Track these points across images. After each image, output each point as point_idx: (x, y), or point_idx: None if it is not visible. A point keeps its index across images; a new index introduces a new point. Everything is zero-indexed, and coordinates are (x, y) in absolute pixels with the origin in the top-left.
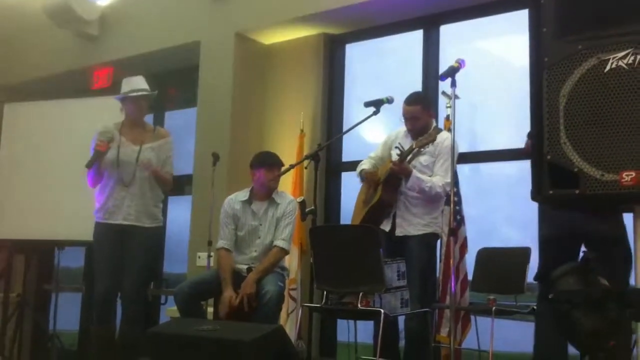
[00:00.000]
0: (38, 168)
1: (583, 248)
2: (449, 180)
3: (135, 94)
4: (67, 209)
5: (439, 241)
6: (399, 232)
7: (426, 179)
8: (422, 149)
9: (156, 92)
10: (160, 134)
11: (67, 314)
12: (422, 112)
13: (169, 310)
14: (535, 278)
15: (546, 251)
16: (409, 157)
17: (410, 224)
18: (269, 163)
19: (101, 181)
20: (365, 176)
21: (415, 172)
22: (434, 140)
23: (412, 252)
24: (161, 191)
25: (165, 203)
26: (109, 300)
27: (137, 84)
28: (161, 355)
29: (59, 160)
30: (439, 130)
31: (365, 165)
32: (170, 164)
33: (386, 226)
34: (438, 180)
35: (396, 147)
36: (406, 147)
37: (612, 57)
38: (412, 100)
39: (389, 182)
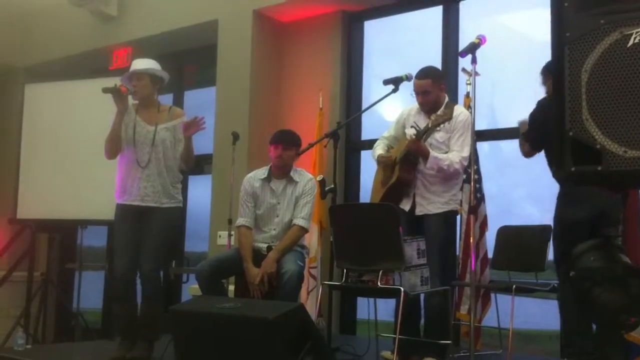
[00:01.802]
0: (59, 148)
1: None
2: (465, 154)
3: (134, 71)
4: (89, 188)
5: (458, 218)
6: (418, 211)
7: (443, 157)
8: (442, 126)
9: (155, 68)
10: (175, 113)
11: (90, 292)
12: (432, 86)
13: (191, 289)
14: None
15: (572, 234)
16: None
17: (430, 202)
18: (286, 140)
19: (117, 155)
20: (379, 161)
21: (432, 152)
22: (450, 118)
23: (431, 230)
24: (179, 171)
25: (185, 182)
26: (128, 279)
27: (137, 64)
28: (183, 333)
29: (80, 139)
30: (452, 105)
31: (379, 148)
32: (191, 140)
33: (406, 205)
34: (455, 156)
35: (412, 127)
36: (420, 123)
37: (635, 31)
38: (423, 74)
39: (406, 161)
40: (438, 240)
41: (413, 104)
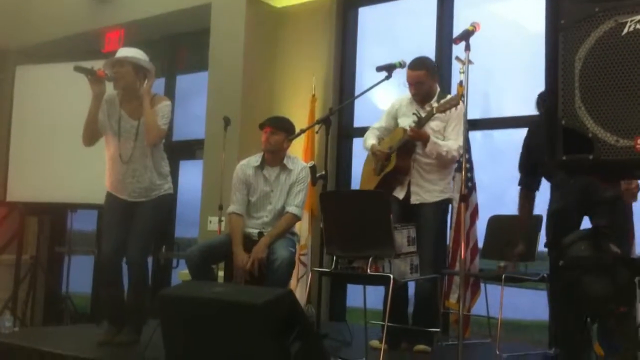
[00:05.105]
0: (50, 130)
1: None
2: (461, 143)
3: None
4: (80, 171)
5: (450, 206)
6: (414, 199)
7: (442, 143)
8: (437, 114)
9: (139, 57)
10: (158, 101)
11: (79, 276)
12: (426, 77)
13: (181, 274)
14: (546, 245)
15: (555, 222)
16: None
17: (427, 191)
18: (274, 124)
19: (93, 142)
20: (375, 153)
21: (432, 138)
22: (457, 103)
23: (427, 219)
24: (166, 162)
25: (176, 167)
26: (115, 263)
27: (120, 52)
28: (172, 317)
29: (71, 122)
30: (445, 96)
31: (371, 139)
32: (161, 117)
33: (400, 194)
34: (453, 144)
35: (413, 114)
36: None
37: (629, 19)
38: (417, 64)
39: (403, 149)
40: (434, 229)
41: (404, 94)
